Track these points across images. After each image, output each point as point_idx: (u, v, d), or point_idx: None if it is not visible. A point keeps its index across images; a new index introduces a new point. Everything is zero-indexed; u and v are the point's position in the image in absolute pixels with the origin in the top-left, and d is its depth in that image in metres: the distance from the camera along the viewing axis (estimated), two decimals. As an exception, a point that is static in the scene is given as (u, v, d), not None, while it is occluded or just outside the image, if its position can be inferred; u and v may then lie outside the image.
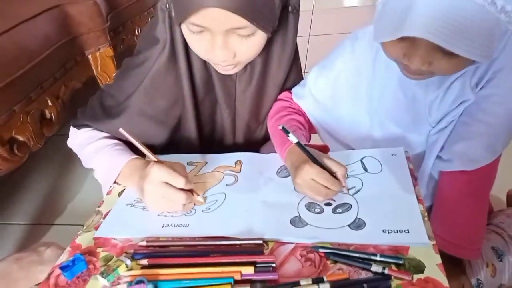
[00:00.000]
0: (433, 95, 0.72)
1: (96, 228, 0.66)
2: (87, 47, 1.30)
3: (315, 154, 0.65)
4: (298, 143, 0.65)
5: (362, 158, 0.74)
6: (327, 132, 0.86)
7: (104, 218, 0.68)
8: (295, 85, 0.86)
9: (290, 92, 0.85)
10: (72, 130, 0.86)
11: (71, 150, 0.85)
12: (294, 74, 0.85)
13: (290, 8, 0.72)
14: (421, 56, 0.60)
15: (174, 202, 0.64)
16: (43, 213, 1.48)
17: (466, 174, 0.74)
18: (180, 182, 0.63)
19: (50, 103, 1.14)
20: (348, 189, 0.67)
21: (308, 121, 0.85)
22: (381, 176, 0.69)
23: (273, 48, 0.77)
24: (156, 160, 0.67)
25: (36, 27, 1.08)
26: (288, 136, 0.65)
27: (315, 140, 0.82)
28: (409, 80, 0.67)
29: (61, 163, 1.67)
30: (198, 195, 0.68)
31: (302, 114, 0.85)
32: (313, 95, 0.82)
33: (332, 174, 0.65)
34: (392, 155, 0.73)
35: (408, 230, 0.58)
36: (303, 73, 0.91)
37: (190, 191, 0.66)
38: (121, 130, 0.65)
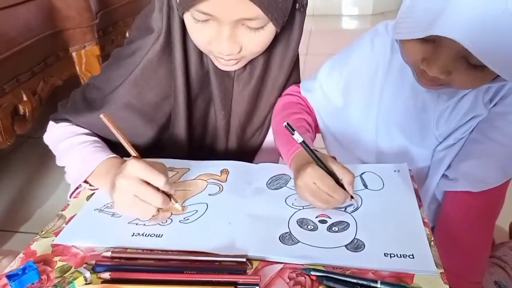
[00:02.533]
0: (443, 106, 0.68)
1: (56, 234, 0.58)
2: (72, 43, 1.24)
3: (321, 157, 0.60)
4: (304, 143, 0.59)
5: (362, 174, 0.67)
6: (332, 135, 0.80)
7: (67, 223, 0.60)
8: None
9: (298, 86, 0.80)
10: (50, 124, 0.78)
11: (46, 153, 0.77)
12: (294, 77, 0.81)
13: (297, 6, 0.67)
14: (442, 63, 0.55)
15: (146, 205, 0.57)
16: (8, 219, 1.38)
17: (472, 196, 0.69)
18: (160, 180, 0.56)
19: (25, 98, 1.06)
20: (346, 206, 0.60)
21: (315, 120, 0.80)
22: (383, 194, 0.63)
23: (276, 47, 0.72)
24: (136, 155, 0.59)
25: (17, 15, 1.01)
26: (293, 134, 0.59)
27: (318, 143, 0.77)
28: (422, 87, 0.62)
29: (34, 167, 1.58)
30: (176, 201, 0.60)
31: (311, 111, 0.80)
32: (324, 90, 0.77)
33: (338, 181, 0.58)
34: (395, 171, 0.67)
35: (413, 255, 0.51)
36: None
37: (169, 196, 0.59)
38: (101, 116, 0.58)
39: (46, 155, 0.78)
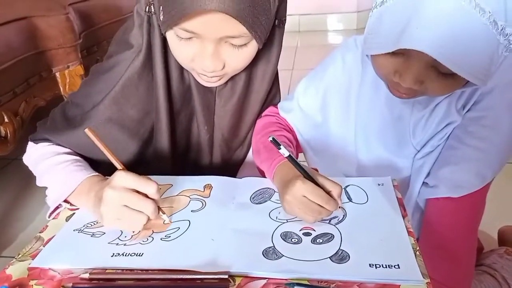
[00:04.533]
0: (419, 115, 0.68)
1: (33, 257, 0.56)
2: (55, 63, 1.22)
3: (308, 170, 0.59)
4: (290, 157, 0.59)
5: (346, 187, 0.67)
6: (313, 151, 0.81)
7: (45, 245, 0.58)
8: (275, 100, 0.82)
9: (276, 107, 0.81)
10: (30, 144, 0.77)
11: (31, 175, 0.75)
12: (274, 89, 0.81)
13: (276, 22, 0.68)
14: (414, 74, 0.56)
15: (137, 214, 0.56)
16: (-10, 243, 1.33)
17: (452, 202, 0.69)
18: (151, 187, 0.56)
19: (6, 120, 1.05)
20: (330, 219, 0.59)
21: (296, 139, 0.80)
22: (367, 207, 0.62)
23: (258, 63, 0.73)
24: (122, 168, 0.58)
25: (-3, 36, 1.00)
26: (279, 149, 0.58)
27: (300, 158, 0.77)
28: (397, 98, 0.62)
29: (18, 188, 1.55)
30: (164, 213, 0.59)
31: (291, 130, 0.80)
32: (301, 108, 0.78)
33: (328, 193, 0.58)
34: (379, 185, 0.67)
35: (398, 265, 0.50)
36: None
37: (158, 208, 0.58)
38: (86, 130, 0.57)
39: (30, 177, 0.75)
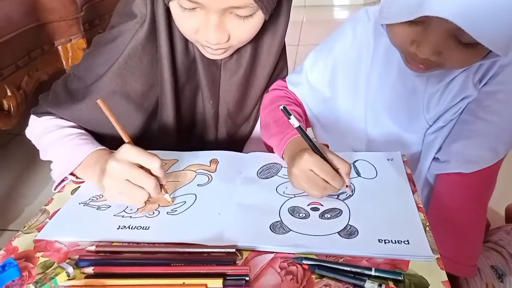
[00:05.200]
0: (433, 89, 0.66)
1: (39, 230, 0.56)
2: (57, 36, 1.20)
3: (317, 145, 0.58)
4: (300, 128, 0.57)
5: (355, 162, 0.66)
6: (322, 126, 0.79)
7: (50, 218, 0.58)
8: (282, 74, 0.80)
9: (284, 81, 0.79)
10: (32, 118, 0.76)
11: (35, 150, 0.74)
12: (281, 64, 0.79)
13: None
14: (432, 44, 0.53)
15: (138, 189, 0.55)
16: (-4, 216, 1.35)
17: (463, 177, 0.68)
18: (155, 162, 0.55)
19: (9, 93, 1.03)
20: (339, 194, 0.58)
21: (305, 113, 0.78)
22: (376, 182, 0.61)
23: (264, 35, 0.71)
24: (129, 141, 0.57)
25: (-3, 7, 0.97)
26: (290, 118, 0.56)
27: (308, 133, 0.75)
28: (411, 71, 0.60)
29: (23, 164, 1.55)
30: (167, 192, 0.58)
31: (299, 104, 0.78)
32: (310, 82, 0.76)
33: (335, 169, 0.56)
34: (388, 160, 0.66)
35: (408, 241, 0.50)
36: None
37: (160, 186, 0.57)
38: (98, 101, 0.56)
39: (34, 153, 0.74)
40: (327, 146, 0.64)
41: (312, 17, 3.22)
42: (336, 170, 0.56)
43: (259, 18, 0.60)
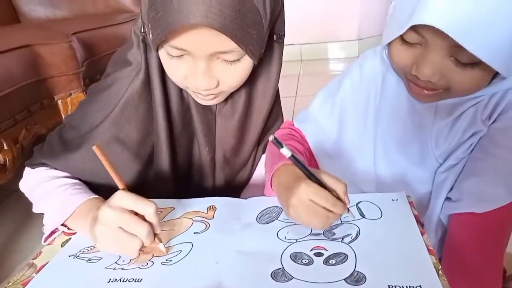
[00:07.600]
0: (442, 123, 0.65)
1: (25, 285, 0.52)
2: (57, 91, 1.21)
3: (312, 171, 0.55)
4: (293, 157, 0.55)
5: (358, 203, 0.63)
6: (328, 165, 0.77)
7: (37, 272, 0.55)
8: (278, 120, 0.79)
9: (291, 121, 0.80)
10: (27, 170, 0.74)
11: (30, 208, 0.72)
12: (277, 108, 0.79)
13: (275, 37, 0.66)
14: (431, 64, 0.53)
15: (131, 237, 0.52)
16: (-11, 275, 1.28)
17: (476, 218, 0.64)
18: (150, 208, 0.52)
19: (5, 147, 1.02)
20: (343, 237, 0.55)
21: (309, 151, 0.77)
22: (382, 223, 0.58)
23: (258, 80, 0.71)
24: (123, 187, 0.55)
25: (-1, 63, 0.99)
26: (281, 149, 0.54)
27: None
28: (419, 104, 0.60)
29: (17, 221, 1.51)
30: (161, 241, 0.55)
31: (304, 142, 0.77)
32: (318, 122, 0.76)
33: (332, 193, 0.54)
34: (393, 200, 0.63)
35: (420, 286, 0.46)
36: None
37: (154, 235, 0.54)
38: (93, 147, 0.55)
39: (30, 209, 0.72)
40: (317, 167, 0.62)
41: (308, 70, 3.31)
42: (332, 191, 0.54)
43: (247, 62, 0.60)
